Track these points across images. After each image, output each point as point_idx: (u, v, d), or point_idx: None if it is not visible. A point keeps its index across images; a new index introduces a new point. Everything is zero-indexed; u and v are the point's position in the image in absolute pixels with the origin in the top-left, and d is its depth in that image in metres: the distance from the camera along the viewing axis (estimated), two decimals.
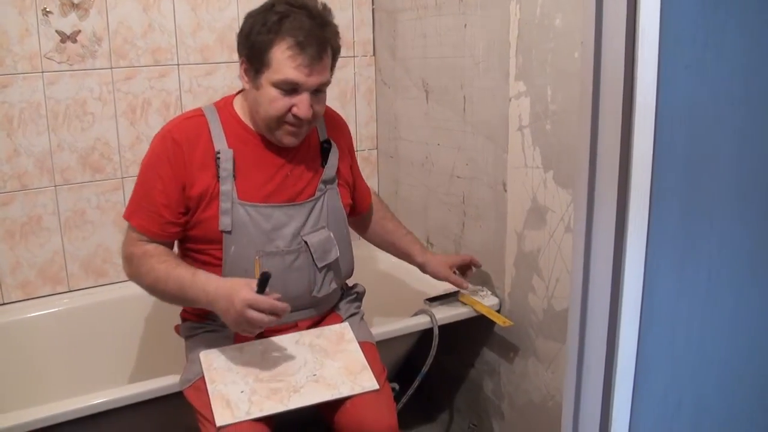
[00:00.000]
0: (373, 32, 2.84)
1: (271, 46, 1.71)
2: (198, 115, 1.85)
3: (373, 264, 2.69)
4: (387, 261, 2.72)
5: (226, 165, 1.79)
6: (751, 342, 1.09)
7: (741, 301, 1.05)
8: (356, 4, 2.79)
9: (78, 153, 2.41)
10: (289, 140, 1.80)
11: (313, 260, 1.86)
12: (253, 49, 1.74)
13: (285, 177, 1.86)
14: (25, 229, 2.38)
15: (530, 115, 2.03)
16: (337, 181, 1.96)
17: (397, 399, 1.86)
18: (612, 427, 0.97)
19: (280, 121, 1.76)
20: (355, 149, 2.15)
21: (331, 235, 1.90)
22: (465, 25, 2.28)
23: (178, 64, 2.49)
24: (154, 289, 1.79)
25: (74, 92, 2.36)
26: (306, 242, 1.85)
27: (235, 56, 1.87)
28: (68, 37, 2.32)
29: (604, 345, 0.93)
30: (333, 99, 2.79)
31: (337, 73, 2.75)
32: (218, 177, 1.78)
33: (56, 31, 2.30)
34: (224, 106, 1.87)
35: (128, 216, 1.82)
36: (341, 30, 2.71)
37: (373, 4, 2.81)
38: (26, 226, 2.38)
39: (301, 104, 1.73)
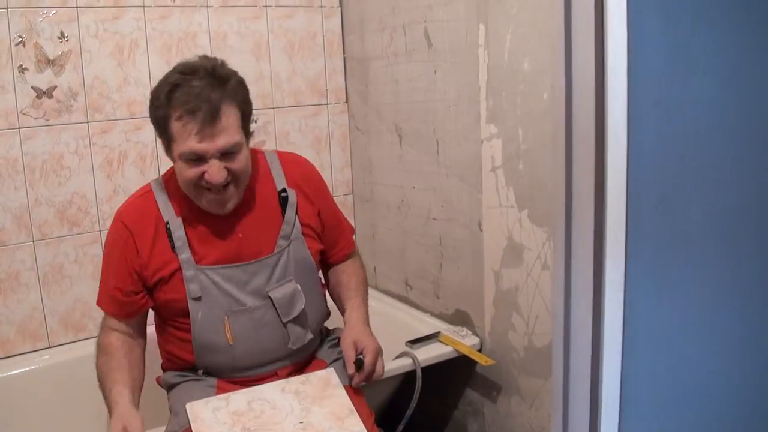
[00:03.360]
0: (345, 80, 2.89)
1: (168, 120, 1.67)
2: (146, 192, 1.86)
3: None
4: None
5: (179, 234, 1.79)
6: (729, 365, 1.12)
7: (717, 325, 1.08)
8: (328, 53, 2.84)
9: (55, 207, 2.41)
10: (216, 209, 1.76)
11: (278, 315, 1.85)
12: (157, 125, 1.72)
13: (239, 240, 1.83)
14: (3, 286, 2.36)
15: (502, 155, 2.07)
16: (300, 230, 1.90)
17: None
18: None
19: (197, 189, 1.72)
20: (328, 193, 2.06)
21: (298, 287, 1.87)
22: (435, 71, 2.33)
23: (149, 108, 2.51)
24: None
25: (51, 147, 2.37)
26: (271, 297, 1.83)
27: None
28: (44, 92, 2.34)
29: (588, 378, 0.95)
30: (308, 146, 2.83)
31: (312, 121, 2.83)
32: (173, 248, 1.79)
33: (32, 87, 2.32)
34: (171, 177, 1.85)
35: (97, 299, 1.87)
36: (314, 78, 2.80)
37: (344, 53, 2.86)
38: (4, 282, 2.36)
39: (211, 170, 1.67)
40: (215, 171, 1.67)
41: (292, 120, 2.80)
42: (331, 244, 2.03)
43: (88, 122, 2.42)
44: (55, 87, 2.36)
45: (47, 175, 2.39)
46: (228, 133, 1.67)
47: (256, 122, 2.72)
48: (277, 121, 2.77)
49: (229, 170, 1.70)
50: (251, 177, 1.85)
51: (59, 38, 2.34)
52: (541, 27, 1.89)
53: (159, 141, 1.78)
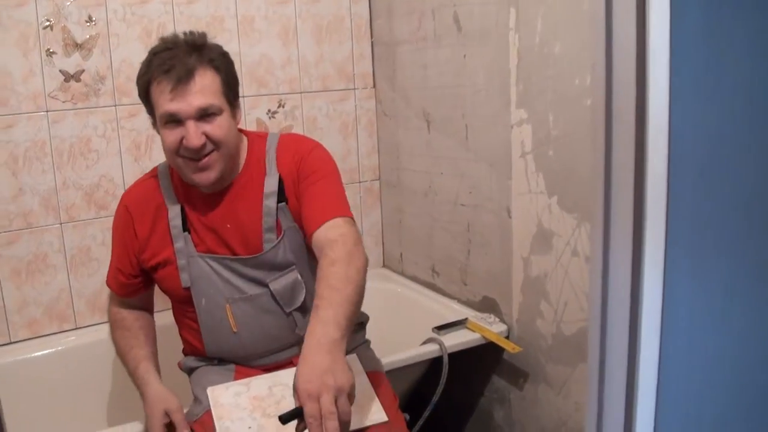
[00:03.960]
0: (373, 65, 2.87)
1: (149, 87, 1.67)
2: (152, 176, 1.88)
3: (378, 293, 2.68)
4: (392, 290, 2.72)
5: (175, 222, 1.79)
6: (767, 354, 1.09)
7: (759, 310, 1.06)
8: (355, 37, 2.82)
9: (83, 190, 2.42)
10: (200, 178, 1.70)
11: (280, 306, 1.82)
12: (141, 97, 1.72)
13: (227, 230, 1.79)
14: (31, 267, 2.38)
15: (532, 141, 2.04)
16: (292, 218, 1.80)
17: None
18: None
19: (180, 158, 1.69)
20: (313, 174, 1.78)
21: (299, 276, 1.81)
22: (464, 56, 2.30)
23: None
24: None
25: (78, 130, 2.38)
26: (271, 290, 1.80)
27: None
28: (72, 76, 2.34)
29: (624, 364, 0.94)
30: (335, 131, 2.82)
31: (339, 106, 2.82)
32: (171, 235, 1.80)
33: (60, 70, 2.32)
34: None
35: (106, 276, 1.95)
36: (341, 63, 2.79)
37: (372, 38, 2.84)
38: (32, 264, 2.38)
39: (187, 133, 1.64)
40: (192, 133, 1.63)
41: (319, 105, 2.79)
42: (302, 224, 1.77)
43: (115, 106, 2.43)
44: (83, 71, 2.36)
45: (75, 158, 2.40)
46: (203, 94, 1.64)
47: (283, 107, 2.71)
48: (304, 105, 2.76)
49: (208, 136, 1.66)
50: (246, 165, 1.82)
51: (87, 22, 2.34)
52: (573, 10, 1.86)
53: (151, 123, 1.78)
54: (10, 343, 2.38)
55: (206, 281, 1.79)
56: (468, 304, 2.48)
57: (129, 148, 2.47)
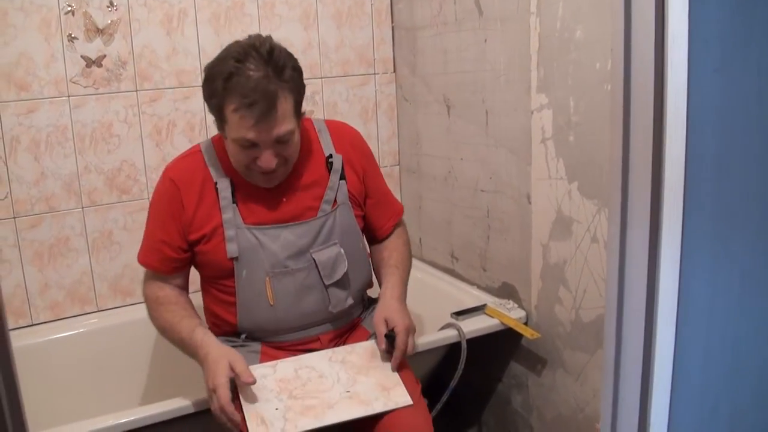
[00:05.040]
0: (393, 50, 2.86)
1: (223, 105, 1.68)
2: (195, 152, 1.90)
3: None
4: (411, 275, 2.71)
5: (225, 194, 1.82)
6: None
7: None
8: (376, 22, 2.81)
9: (105, 175, 2.44)
10: (267, 184, 1.81)
11: (321, 277, 1.86)
12: (210, 104, 1.74)
13: (282, 204, 1.85)
14: (53, 251, 2.41)
15: (553, 126, 2.03)
16: (347, 196, 1.92)
17: None
18: None
19: (248, 168, 1.76)
20: (376, 163, 2.07)
21: (342, 251, 1.89)
22: (485, 40, 2.29)
23: (202, 86, 2.52)
24: (164, 335, 1.87)
25: (100, 115, 2.40)
26: (314, 259, 1.85)
27: None
28: (93, 61, 2.35)
29: (640, 351, 0.93)
30: (355, 116, 2.81)
31: (359, 91, 2.82)
32: (219, 207, 1.82)
33: (81, 56, 2.34)
34: (220, 139, 1.86)
35: (138, 256, 1.92)
36: (362, 48, 2.79)
37: (392, 22, 2.83)
38: (54, 247, 2.41)
39: (263, 158, 1.72)
40: (268, 159, 1.72)
41: (339, 90, 2.79)
42: (378, 216, 2.03)
43: (137, 91, 2.44)
44: (105, 56, 2.38)
45: (97, 143, 2.41)
46: (283, 123, 1.69)
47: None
48: (324, 91, 2.76)
49: (280, 156, 1.74)
50: (300, 145, 1.87)
51: (108, 7, 2.35)
52: None
53: (209, 113, 1.79)
54: (32, 325, 2.41)
55: (251, 253, 1.82)
56: (487, 290, 2.48)
57: (150, 133, 2.48)
